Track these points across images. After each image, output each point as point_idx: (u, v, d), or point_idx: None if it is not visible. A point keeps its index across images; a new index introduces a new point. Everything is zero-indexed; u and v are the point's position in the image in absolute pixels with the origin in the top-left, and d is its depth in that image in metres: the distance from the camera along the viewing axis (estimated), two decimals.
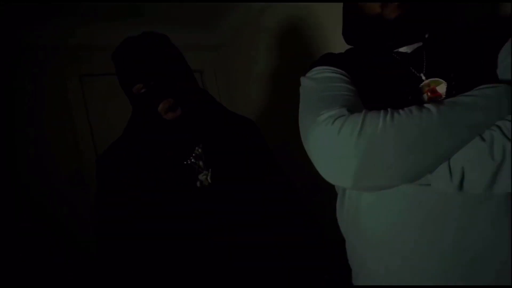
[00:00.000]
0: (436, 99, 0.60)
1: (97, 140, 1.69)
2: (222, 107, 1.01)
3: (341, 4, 0.76)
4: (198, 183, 0.85)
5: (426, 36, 0.68)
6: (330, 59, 0.70)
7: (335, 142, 0.52)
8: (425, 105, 0.52)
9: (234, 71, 2.18)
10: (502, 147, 0.47)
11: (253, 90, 2.00)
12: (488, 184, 0.48)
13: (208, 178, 0.84)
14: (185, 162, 0.86)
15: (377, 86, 0.65)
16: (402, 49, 0.68)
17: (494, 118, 0.50)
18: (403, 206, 0.59)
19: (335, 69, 0.67)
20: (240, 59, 2.09)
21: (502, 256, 0.53)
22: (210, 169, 0.85)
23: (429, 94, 0.61)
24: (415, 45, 0.67)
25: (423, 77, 0.63)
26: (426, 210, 0.56)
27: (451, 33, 0.66)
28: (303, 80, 0.70)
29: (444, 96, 0.59)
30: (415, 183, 0.54)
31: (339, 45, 0.79)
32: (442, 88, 0.60)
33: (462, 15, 0.71)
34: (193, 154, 0.87)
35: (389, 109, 0.52)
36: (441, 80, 0.61)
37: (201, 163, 0.87)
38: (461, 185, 0.50)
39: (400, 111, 0.52)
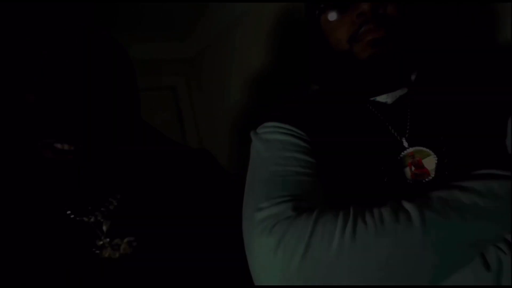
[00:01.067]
0: (421, 178, 0.43)
1: None
2: (165, 144, 0.79)
3: None
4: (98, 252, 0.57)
5: (413, 79, 0.51)
6: (285, 112, 0.53)
7: (271, 262, 0.35)
8: (405, 205, 0.35)
9: (208, 82, 2.05)
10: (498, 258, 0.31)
11: (231, 98, 1.86)
12: None
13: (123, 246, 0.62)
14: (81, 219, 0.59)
15: (343, 151, 0.48)
16: (381, 98, 0.51)
17: (502, 229, 0.34)
18: None
19: (291, 128, 0.49)
20: (215, 69, 1.95)
21: None
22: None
23: (413, 169, 0.44)
24: (398, 93, 0.51)
25: (405, 144, 0.46)
26: None
27: (446, 85, 0.50)
28: (253, 139, 0.52)
29: (432, 176, 0.43)
30: None
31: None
32: (430, 163, 0.44)
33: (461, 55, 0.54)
34: (101, 209, 0.60)
35: (351, 213, 0.36)
36: (428, 150, 0.44)
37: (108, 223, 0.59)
38: None
39: (367, 218, 0.35)
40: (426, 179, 0.43)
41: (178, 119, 2.06)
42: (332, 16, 0.49)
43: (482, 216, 0.34)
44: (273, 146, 0.48)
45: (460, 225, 0.33)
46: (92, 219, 0.59)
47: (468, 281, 0.32)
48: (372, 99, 0.51)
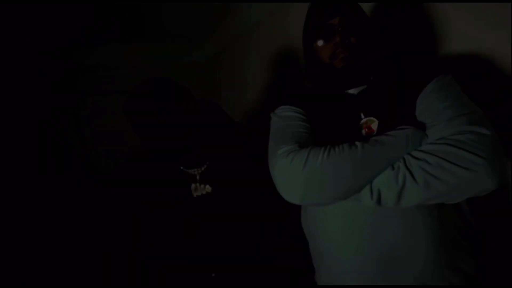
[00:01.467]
0: (370, 134, 0.78)
1: None
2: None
3: None
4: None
5: (371, 79, 0.86)
6: (292, 99, 0.88)
7: (288, 171, 0.71)
8: (356, 142, 0.70)
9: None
10: (403, 175, 0.65)
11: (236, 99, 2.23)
12: (396, 200, 0.66)
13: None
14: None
15: (328, 121, 0.83)
16: (350, 91, 0.86)
17: (402, 153, 0.68)
18: (345, 216, 0.77)
19: (295, 108, 0.85)
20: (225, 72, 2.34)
21: (415, 254, 0.71)
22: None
23: (366, 130, 0.79)
24: (361, 88, 0.85)
25: (362, 116, 0.81)
26: (364, 222, 0.74)
27: (388, 82, 0.84)
28: (273, 116, 0.88)
29: (375, 132, 0.77)
30: (352, 199, 0.72)
31: None
32: (375, 126, 0.78)
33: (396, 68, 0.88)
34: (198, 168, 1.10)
35: (328, 146, 0.70)
36: (374, 119, 0.79)
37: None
38: (379, 201, 0.68)
39: (336, 148, 0.69)
40: (372, 135, 0.77)
41: None
42: (320, 43, 0.83)
43: (392, 146, 0.68)
44: (285, 119, 0.83)
45: (380, 150, 0.68)
46: (193, 172, 1.08)
47: (384, 173, 0.67)
48: (345, 91, 0.86)
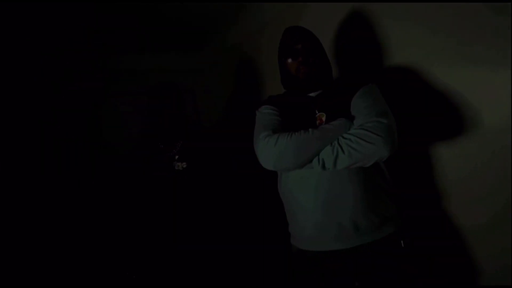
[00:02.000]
0: (321, 124, 1.16)
1: None
2: None
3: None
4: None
5: (325, 86, 1.24)
6: (270, 101, 1.27)
7: (265, 149, 1.09)
8: (310, 129, 1.08)
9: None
10: (337, 149, 1.03)
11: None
12: (333, 166, 1.04)
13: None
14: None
15: (294, 115, 1.21)
16: (311, 94, 1.24)
17: (337, 135, 1.06)
18: (304, 180, 1.14)
19: (272, 107, 1.23)
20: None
21: (347, 201, 1.08)
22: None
23: (318, 121, 1.17)
24: (318, 92, 1.23)
25: (317, 112, 1.19)
26: (315, 181, 1.12)
27: (336, 87, 1.22)
28: (257, 113, 1.26)
29: (324, 123, 1.15)
30: (307, 167, 1.09)
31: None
32: (324, 118, 1.16)
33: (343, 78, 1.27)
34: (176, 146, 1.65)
35: (291, 132, 1.08)
36: (324, 113, 1.17)
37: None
38: (323, 167, 1.06)
39: (296, 133, 1.07)
40: (322, 125, 1.16)
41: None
42: (289, 61, 1.21)
43: (331, 131, 1.06)
44: (265, 115, 1.21)
45: (324, 134, 1.05)
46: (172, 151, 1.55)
47: (326, 148, 1.05)
48: (307, 94, 1.24)
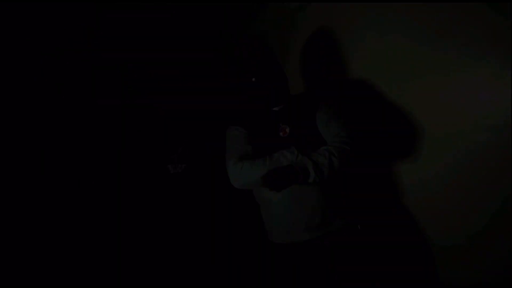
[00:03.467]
0: (285, 135, 1.29)
1: None
2: None
3: None
4: None
5: (287, 101, 1.37)
6: (237, 121, 1.40)
7: (233, 173, 1.24)
8: (267, 156, 1.21)
9: None
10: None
11: None
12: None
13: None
14: None
15: (261, 127, 1.34)
16: (275, 108, 1.37)
17: (287, 162, 1.18)
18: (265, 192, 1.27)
19: (239, 128, 1.37)
20: None
21: (312, 203, 1.21)
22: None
23: (282, 133, 1.30)
24: (281, 106, 1.37)
25: (282, 125, 1.32)
26: (287, 192, 1.24)
27: (299, 101, 1.36)
28: (227, 133, 1.40)
29: (288, 133, 1.29)
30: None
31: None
32: (288, 130, 1.30)
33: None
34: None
35: (255, 160, 1.22)
36: (287, 126, 1.30)
37: None
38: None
39: (257, 161, 1.21)
40: (286, 136, 1.29)
41: None
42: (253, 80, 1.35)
43: (280, 160, 1.19)
44: (232, 137, 1.35)
45: (276, 162, 1.19)
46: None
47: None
48: (273, 109, 1.37)
